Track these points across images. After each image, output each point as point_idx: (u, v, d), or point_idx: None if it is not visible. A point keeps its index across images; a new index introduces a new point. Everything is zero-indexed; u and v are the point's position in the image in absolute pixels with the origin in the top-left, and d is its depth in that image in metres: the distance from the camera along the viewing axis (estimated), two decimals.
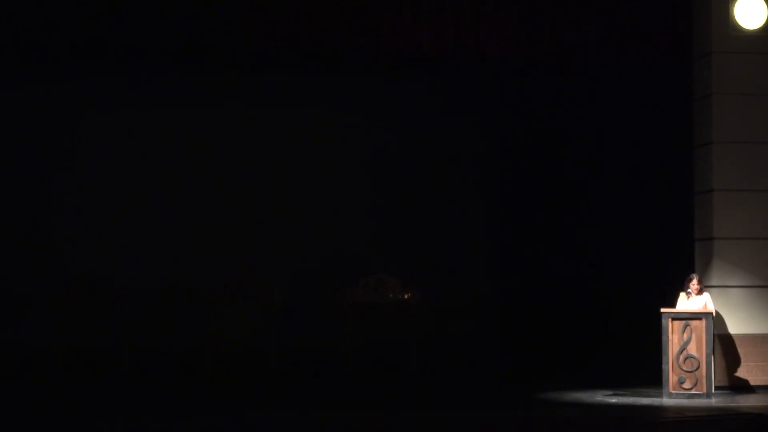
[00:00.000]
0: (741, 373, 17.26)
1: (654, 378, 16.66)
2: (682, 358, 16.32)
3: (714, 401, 16.04)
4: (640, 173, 19.96)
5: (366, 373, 19.18)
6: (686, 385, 16.30)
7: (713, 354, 16.50)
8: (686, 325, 16.35)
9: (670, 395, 16.25)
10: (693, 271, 17.07)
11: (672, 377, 16.34)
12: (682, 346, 16.32)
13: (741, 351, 17.26)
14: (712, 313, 16.42)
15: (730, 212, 17.38)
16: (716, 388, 16.63)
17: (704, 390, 16.24)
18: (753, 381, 17.23)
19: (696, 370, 16.29)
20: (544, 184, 20.62)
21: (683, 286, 16.63)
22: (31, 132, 19.82)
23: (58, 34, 17.45)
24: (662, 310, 16.41)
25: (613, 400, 16.05)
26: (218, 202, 20.14)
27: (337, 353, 19.46)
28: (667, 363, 16.33)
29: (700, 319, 16.33)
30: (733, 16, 17.45)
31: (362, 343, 19.56)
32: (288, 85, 20.10)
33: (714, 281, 17.32)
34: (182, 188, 20.05)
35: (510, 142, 20.70)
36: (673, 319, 16.37)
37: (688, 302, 16.58)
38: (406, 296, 19.93)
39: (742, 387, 17.15)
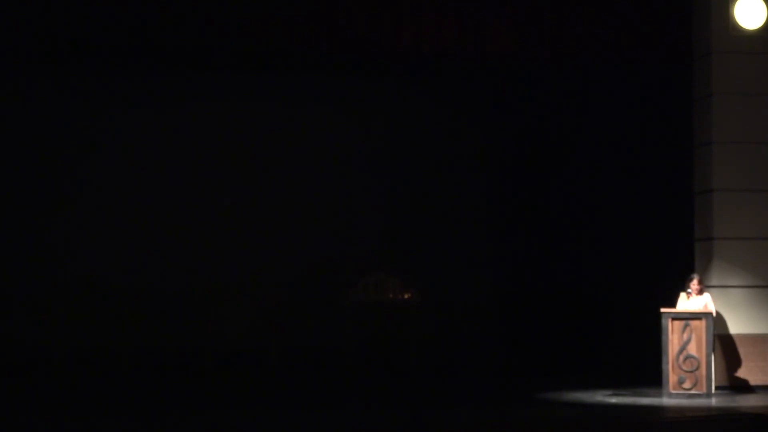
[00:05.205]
0: (741, 373, 17.25)
1: (654, 378, 16.65)
2: (682, 358, 16.32)
3: (714, 401, 16.04)
4: (640, 173, 19.93)
5: (366, 372, 19.17)
6: (686, 385, 16.30)
7: (713, 354, 16.50)
8: (686, 325, 16.35)
9: (670, 395, 16.25)
10: (693, 271, 17.07)
11: (672, 377, 16.34)
12: (682, 346, 16.31)
13: (741, 351, 17.25)
14: (712, 314, 16.42)
15: (730, 212, 17.37)
16: (716, 388, 16.62)
17: (704, 390, 16.23)
18: (753, 381, 17.22)
19: (696, 370, 16.29)
20: (544, 184, 20.60)
21: (684, 286, 16.64)
22: (29, 133, 19.80)
23: (56, 35, 17.44)
24: (662, 310, 16.41)
25: (613, 400, 16.05)
26: (218, 201, 20.13)
27: (337, 353, 19.45)
28: (667, 363, 16.33)
29: (700, 319, 16.33)
30: (733, 16, 17.44)
31: (362, 343, 19.56)
32: (288, 84, 20.09)
33: (714, 281, 17.31)
34: (182, 188, 20.03)
35: (509, 141, 20.67)
36: (673, 319, 16.37)
37: (688, 302, 16.58)
38: (406, 296, 19.94)
39: (742, 387, 17.14)
